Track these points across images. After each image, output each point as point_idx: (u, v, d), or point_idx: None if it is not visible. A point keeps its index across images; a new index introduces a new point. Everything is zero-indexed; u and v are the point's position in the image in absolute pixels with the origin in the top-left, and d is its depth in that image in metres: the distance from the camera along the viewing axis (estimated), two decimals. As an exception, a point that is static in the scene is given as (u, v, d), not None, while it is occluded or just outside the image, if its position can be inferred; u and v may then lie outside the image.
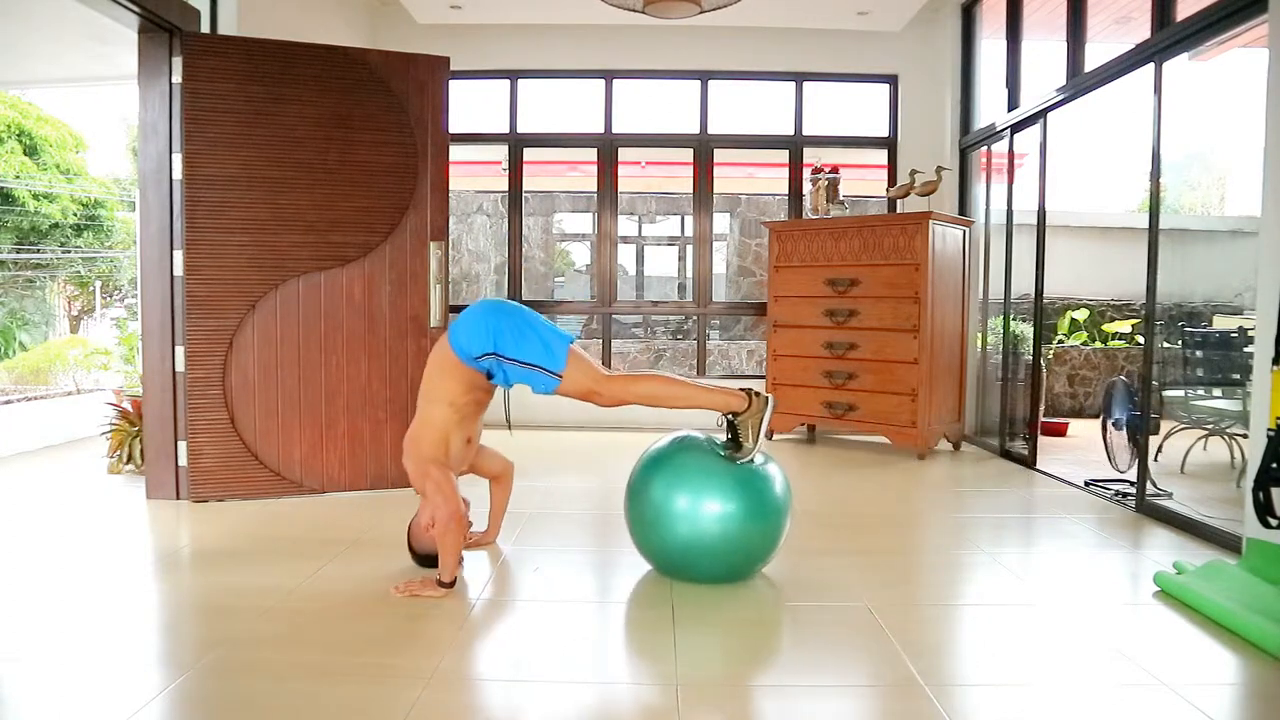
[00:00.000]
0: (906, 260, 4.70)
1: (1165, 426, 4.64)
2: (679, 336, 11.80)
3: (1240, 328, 4.83)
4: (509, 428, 2.93)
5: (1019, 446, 4.82)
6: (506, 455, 2.95)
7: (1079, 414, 7.06)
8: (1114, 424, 4.08)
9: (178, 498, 3.60)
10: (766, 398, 2.54)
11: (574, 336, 2.57)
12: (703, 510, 2.44)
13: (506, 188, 6.15)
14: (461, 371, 2.53)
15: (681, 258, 13.16)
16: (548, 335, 2.51)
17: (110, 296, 14.90)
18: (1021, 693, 1.89)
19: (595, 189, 6.16)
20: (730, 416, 2.56)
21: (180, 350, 3.56)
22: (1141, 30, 3.80)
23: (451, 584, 2.45)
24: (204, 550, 2.93)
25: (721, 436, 2.62)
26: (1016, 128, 4.87)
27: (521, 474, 3.17)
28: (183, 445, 3.57)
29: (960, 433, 5.16)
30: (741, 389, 2.58)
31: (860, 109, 6.40)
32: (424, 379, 2.60)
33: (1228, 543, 2.97)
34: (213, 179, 3.48)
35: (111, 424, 4.28)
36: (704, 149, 6.04)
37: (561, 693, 1.88)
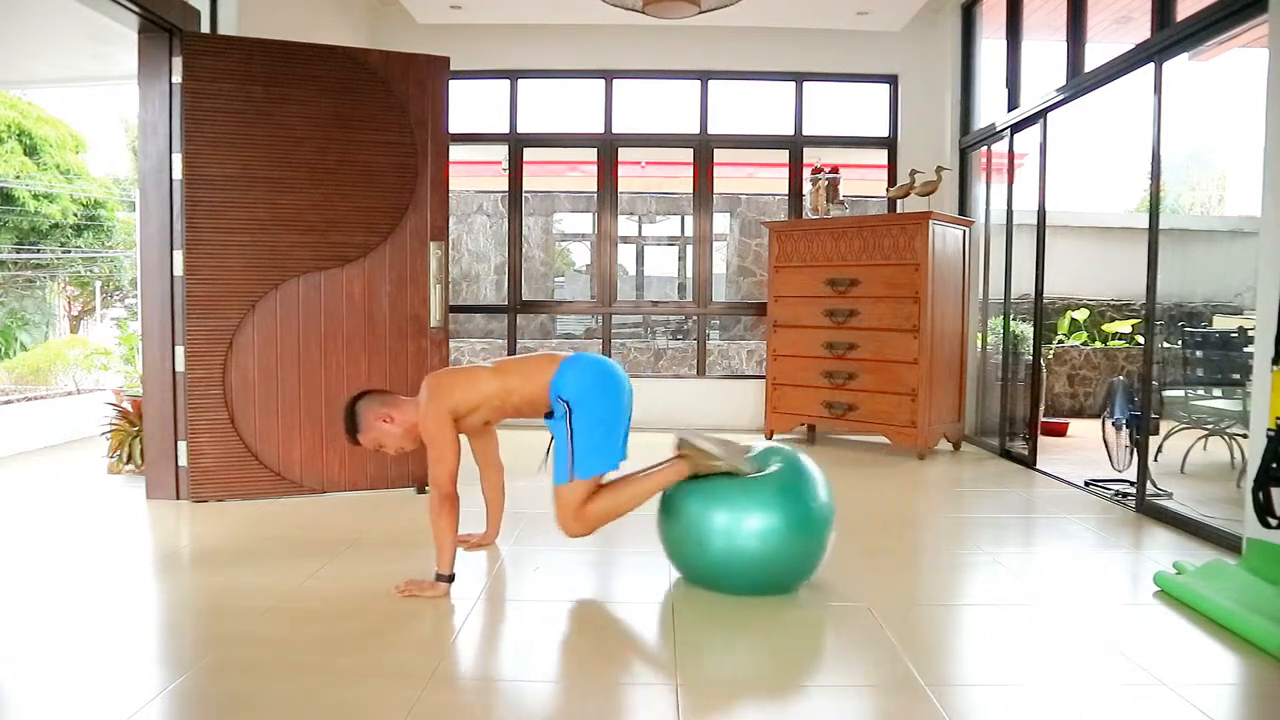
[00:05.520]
0: (906, 260, 4.70)
1: (1165, 426, 4.65)
2: (679, 336, 11.79)
3: (1240, 328, 4.83)
4: (539, 468, 2.77)
5: (1019, 446, 4.82)
6: (501, 457, 2.95)
7: (1079, 414, 7.06)
8: (1114, 423, 4.08)
9: (178, 498, 3.60)
10: (688, 442, 2.50)
11: (615, 466, 2.54)
12: (742, 525, 2.36)
13: (506, 188, 6.15)
14: (544, 391, 2.53)
15: (681, 258, 13.16)
16: (600, 449, 2.49)
17: (110, 296, 14.89)
18: (1021, 692, 1.89)
19: (595, 189, 6.16)
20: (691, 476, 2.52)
21: (180, 350, 3.56)
22: (1141, 30, 3.80)
23: (451, 579, 2.45)
24: (204, 550, 2.93)
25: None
26: (1016, 128, 4.87)
27: (523, 473, 3.18)
28: (183, 445, 3.57)
29: (960, 433, 5.16)
30: (677, 454, 2.53)
31: (860, 109, 6.40)
32: (519, 360, 2.63)
33: (1228, 543, 2.97)
34: (213, 179, 3.48)
35: (111, 424, 4.28)
36: (704, 149, 6.04)
37: (561, 692, 1.88)
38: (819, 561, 2.49)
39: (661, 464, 2.58)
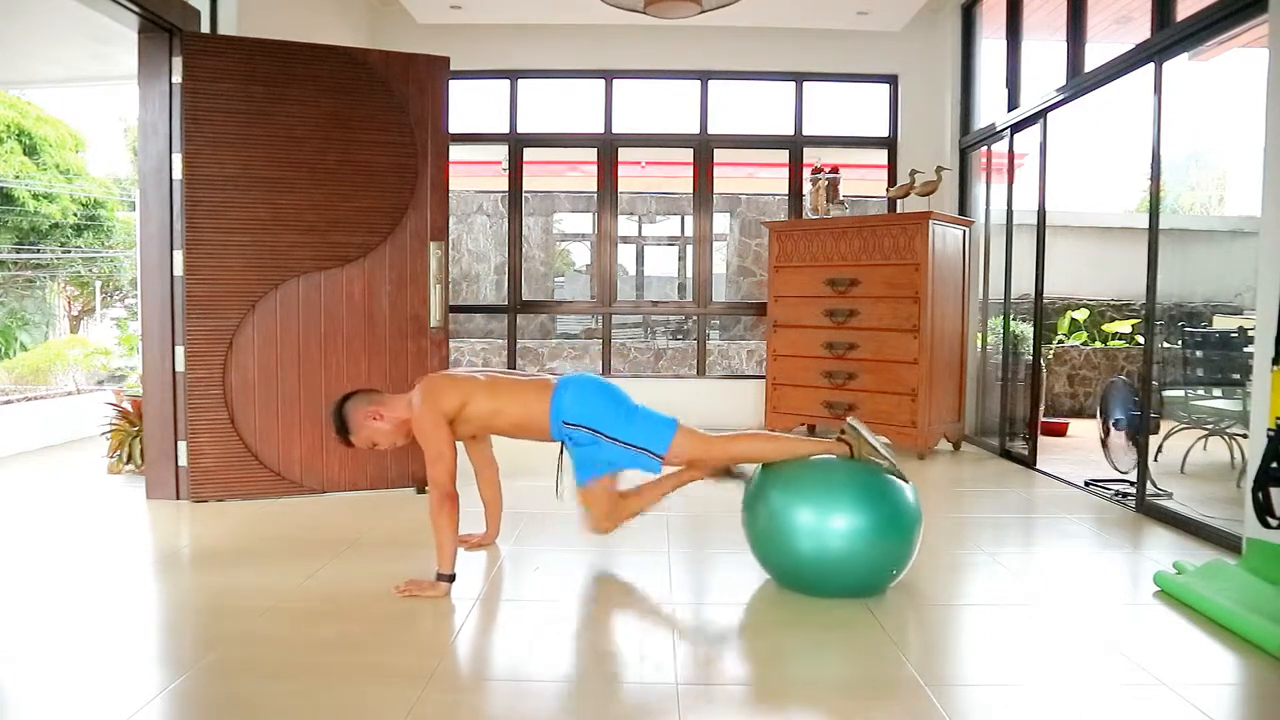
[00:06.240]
0: (906, 260, 4.70)
1: (1165, 426, 4.64)
2: (679, 336, 11.79)
3: (1240, 328, 4.83)
4: (557, 493, 2.78)
5: (1019, 446, 4.81)
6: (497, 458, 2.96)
7: (1079, 414, 7.06)
8: (1114, 424, 4.07)
9: (178, 498, 3.60)
10: (855, 427, 2.54)
11: (677, 421, 2.58)
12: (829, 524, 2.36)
13: (506, 188, 6.15)
14: (539, 417, 2.56)
15: (681, 258, 13.16)
16: (653, 420, 2.57)
17: (110, 296, 14.89)
18: (1021, 693, 1.89)
19: (595, 189, 6.16)
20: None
21: (180, 350, 3.56)
22: (1141, 30, 3.80)
23: (451, 579, 2.45)
24: (204, 550, 2.93)
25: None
26: (1016, 128, 4.87)
27: (523, 473, 3.18)
28: (183, 445, 3.57)
29: (960, 433, 5.16)
30: (840, 438, 2.58)
31: (860, 109, 6.40)
32: (512, 383, 2.62)
33: (1228, 543, 2.97)
34: (213, 179, 3.48)
35: (111, 424, 4.28)
36: (704, 149, 6.04)
37: (561, 693, 1.88)
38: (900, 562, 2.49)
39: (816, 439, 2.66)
